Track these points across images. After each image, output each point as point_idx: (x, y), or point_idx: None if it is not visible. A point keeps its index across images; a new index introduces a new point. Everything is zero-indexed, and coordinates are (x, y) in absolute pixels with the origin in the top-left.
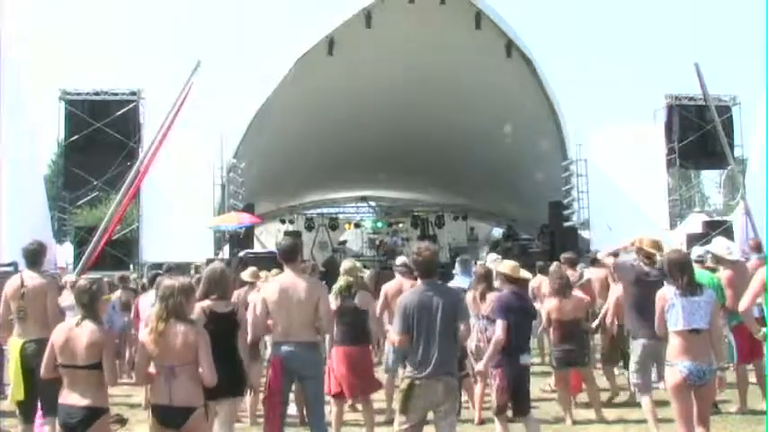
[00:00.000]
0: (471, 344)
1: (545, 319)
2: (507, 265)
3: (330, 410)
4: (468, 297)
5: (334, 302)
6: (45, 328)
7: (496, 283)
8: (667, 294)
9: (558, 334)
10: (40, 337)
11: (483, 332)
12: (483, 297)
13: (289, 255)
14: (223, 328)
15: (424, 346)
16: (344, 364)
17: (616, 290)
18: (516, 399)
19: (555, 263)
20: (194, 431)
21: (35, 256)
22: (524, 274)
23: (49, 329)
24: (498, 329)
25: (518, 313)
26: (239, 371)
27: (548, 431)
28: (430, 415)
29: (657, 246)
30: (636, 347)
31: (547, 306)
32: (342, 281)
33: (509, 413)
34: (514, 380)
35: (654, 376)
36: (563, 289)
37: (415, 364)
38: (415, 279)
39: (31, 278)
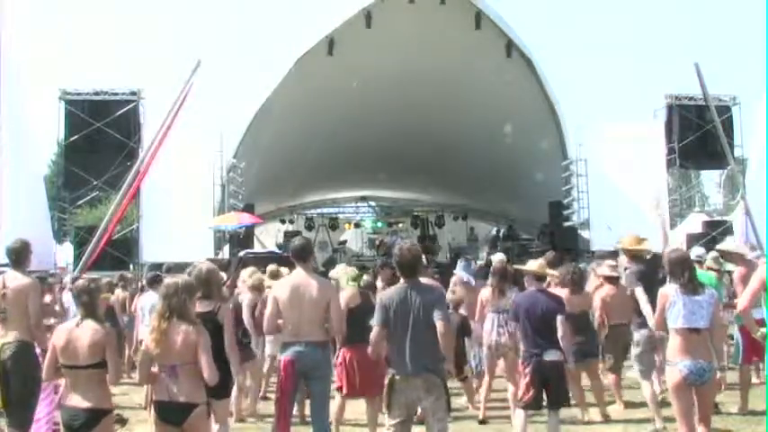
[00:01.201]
0: (492, 339)
1: None
2: (536, 263)
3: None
4: (487, 292)
5: (350, 299)
6: (26, 331)
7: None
8: (669, 292)
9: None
10: (20, 340)
11: (504, 326)
12: (502, 292)
13: (301, 254)
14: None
15: (401, 343)
16: (357, 363)
17: (602, 290)
18: (548, 392)
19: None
20: (195, 428)
21: (18, 254)
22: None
23: (31, 332)
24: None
25: (537, 312)
26: (223, 372)
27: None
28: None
29: (638, 241)
30: (636, 338)
31: None
32: (353, 281)
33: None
34: (541, 375)
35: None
36: (578, 283)
37: (394, 362)
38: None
39: (14, 279)
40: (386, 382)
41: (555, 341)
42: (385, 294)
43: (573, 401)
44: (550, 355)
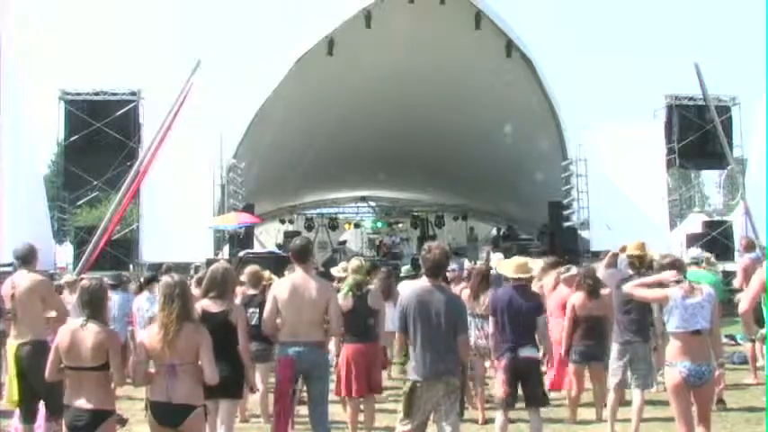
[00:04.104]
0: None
1: (568, 312)
2: (508, 265)
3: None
4: (464, 295)
5: (343, 301)
6: (39, 329)
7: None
8: (672, 295)
9: (581, 330)
10: (34, 339)
11: (480, 329)
12: (476, 296)
13: (301, 255)
14: (216, 328)
15: (423, 347)
16: (355, 361)
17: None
18: (524, 390)
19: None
20: (193, 430)
21: (25, 256)
22: (530, 267)
23: (43, 330)
24: (490, 326)
25: (513, 309)
26: (235, 372)
27: (547, 431)
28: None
29: (641, 247)
30: (613, 349)
31: (572, 301)
32: (350, 279)
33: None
34: (515, 372)
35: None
36: (594, 288)
37: (416, 366)
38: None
39: (23, 278)
40: (405, 388)
41: (531, 339)
42: (405, 298)
43: (565, 400)
44: (525, 352)
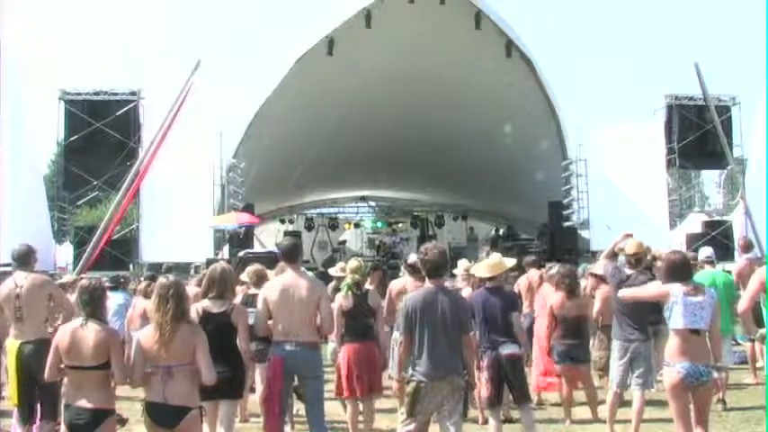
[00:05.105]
0: None
1: (548, 314)
2: (482, 266)
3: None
4: (465, 294)
5: (343, 301)
6: (41, 328)
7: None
8: (673, 291)
9: (561, 330)
10: (38, 338)
11: None
12: None
13: (290, 255)
14: (216, 329)
15: (428, 347)
16: (355, 361)
17: (602, 288)
18: (510, 387)
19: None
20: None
21: (24, 257)
22: (505, 263)
23: (45, 329)
24: None
25: (491, 308)
26: (236, 372)
27: (547, 431)
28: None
29: (640, 246)
30: (614, 347)
31: (551, 301)
32: (349, 279)
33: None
34: (499, 370)
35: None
36: (573, 288)
37: (420, 366)
38: (422, 279)
39: (24, 278)
40: (409, 388)
41: (511, 335)
42: (409, 299)
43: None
44: (507, 349)
